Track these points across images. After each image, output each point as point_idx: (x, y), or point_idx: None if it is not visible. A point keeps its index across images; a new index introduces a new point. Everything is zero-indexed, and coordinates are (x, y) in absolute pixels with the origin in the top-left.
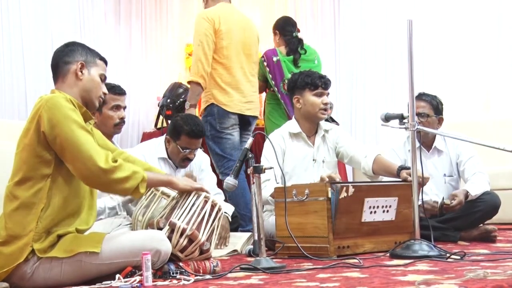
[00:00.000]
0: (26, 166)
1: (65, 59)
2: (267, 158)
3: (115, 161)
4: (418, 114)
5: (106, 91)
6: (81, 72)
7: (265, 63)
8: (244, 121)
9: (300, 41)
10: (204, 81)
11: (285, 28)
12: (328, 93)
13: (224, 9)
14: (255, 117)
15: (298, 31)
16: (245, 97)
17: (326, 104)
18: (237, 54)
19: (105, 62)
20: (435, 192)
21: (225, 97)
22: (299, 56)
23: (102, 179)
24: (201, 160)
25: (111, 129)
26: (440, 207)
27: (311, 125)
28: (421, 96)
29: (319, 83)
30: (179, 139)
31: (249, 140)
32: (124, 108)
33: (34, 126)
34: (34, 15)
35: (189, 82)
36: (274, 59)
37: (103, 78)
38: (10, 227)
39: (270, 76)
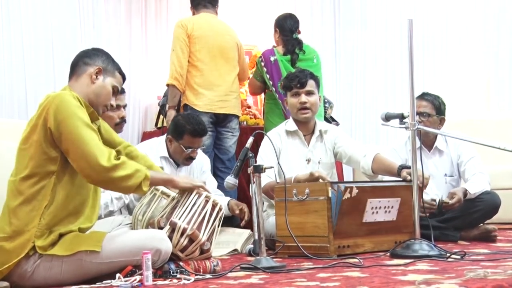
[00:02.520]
0: (33, 162)
1: (85, 60)
2: (262, 157)
3: (118, 158)
4: (420, 114)
5: (114, 103)
6: (96, 76)
7: (262, 63)
8: (219, 119)
9: (299, 43)
10: (178, 82)
11: (285, 28)
12: (311, 91)
13: (201, 16)
14: (234, 115)
15: (299, 32)
16: (218, 96)
17: (303, 103)
18: (211, 57)
19: (124, 77)
20: (435, 192)
21: (196, 98)
22: (297, 57)
23: (104, 177)
24: (202, 162)
25: (113, 129)
26: (438, 205)
27: (304, 125)
28: (423, 96)
29: (293, 83)
30: (182, 138)
31: (250, 140)
32: (124, 106)
33: (41, 123)
34: (34, 14)
35: (167, 86)
36: (272, 58)
37: (115, 89)
38: (14, 222)
39: (268, 76)
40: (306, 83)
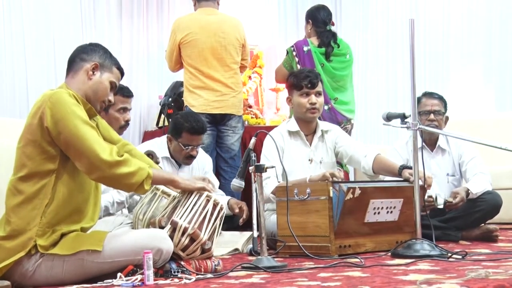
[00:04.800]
0: (31, 162)
1: (82, 56)
2: (266, 156)
3: (121, 155)
4: (434, 112)
5: (112, 99)
6: (93, 72)
7: (294, 53)
8: (217, 119)
9: (334, 35)
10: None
11: (318, 19)
12: (319, 92)
13: (194, 16)
14: (233, 115)
15: (333, 24)
16: (214, 96)
17: (313, 104)
18: (203, 60)
19: (122, 73)
20: (437, 192)
21: (192, 99)
22: (332, 49)
23: (106, 172)
24: (204, 162)
25: (116, 130)
26: (435, 199)
27: (308, 125)
28: (432, 94)
29: (304, 83)
30: (181, 136)
31: (252, 140)
32: (130, 110)
33: (37, 122)
34: (35, 13)
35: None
36: (305, 49)
37: (113, 85)
38: (14, 221)
39: (299, 66)
40: (317, 84)
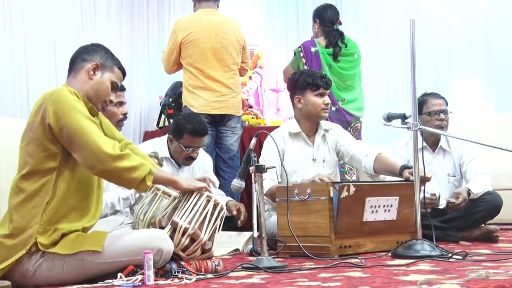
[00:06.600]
0: (33, 160)
1: (83, 56)
2: (264, 158)
3: (123, 151)
4: (443, 111)
5: (113, 99)
6: (94, 72)
7: (301, 54)
8: (216, 120)
9: (341, 34)
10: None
11: (325, 19)
12: (329, 93)
13: (195, 17)
14: (232, 115)
15: (340, 23)
16: (214, 97)
17: (327, 104)
18: (204, 60)
19: (124, 72)
20: (438, 192)
21: (192, 99)
22: (340, 50)
23: (108, 166)
24: (204, 162)
25: (115, 125)
26: (438, 200)
27: (312, 125)
28: (435, 94)
29: (321, 83)
30: (182, 138)
31: (253, 141)
32: (125, 103)
33: (39, 120)
34: (36, 13)
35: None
36: (312, 50)
37: (115, 85)
38: (16, 219)
39: (306, 67)
40: (331, 85)
